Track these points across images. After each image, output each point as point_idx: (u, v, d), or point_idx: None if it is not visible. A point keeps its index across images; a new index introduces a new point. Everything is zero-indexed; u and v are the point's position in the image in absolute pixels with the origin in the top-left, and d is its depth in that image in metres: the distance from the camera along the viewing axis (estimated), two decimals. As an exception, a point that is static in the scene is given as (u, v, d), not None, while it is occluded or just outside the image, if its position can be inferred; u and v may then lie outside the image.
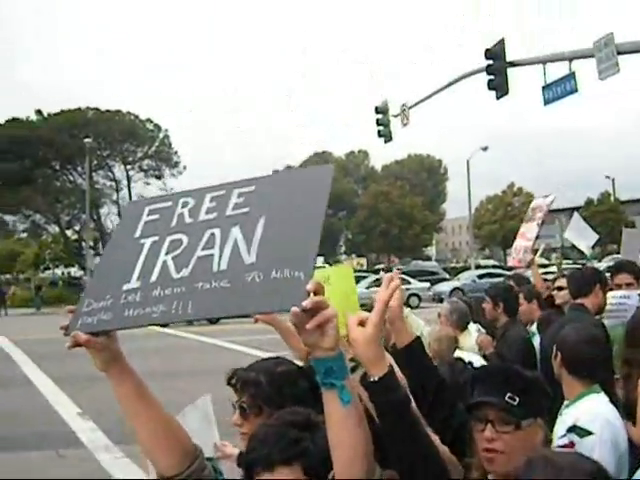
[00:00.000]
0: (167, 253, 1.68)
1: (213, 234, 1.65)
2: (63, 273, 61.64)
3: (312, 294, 1.37)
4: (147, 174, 49.86)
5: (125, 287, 1.65)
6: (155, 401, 1.72)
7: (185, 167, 50.59)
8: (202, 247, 1.64)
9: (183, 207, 1.79)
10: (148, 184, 49.93)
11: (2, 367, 14.79)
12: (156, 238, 1.74)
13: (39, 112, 48.15)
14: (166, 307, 1.55)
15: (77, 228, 49.92)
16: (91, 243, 45.50)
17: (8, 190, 45.16)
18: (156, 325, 1.62)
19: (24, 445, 8.01)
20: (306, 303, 1.35)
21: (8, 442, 8.22)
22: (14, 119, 47.53)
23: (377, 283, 32.76)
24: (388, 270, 45.38)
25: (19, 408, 10.30)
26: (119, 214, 49.27)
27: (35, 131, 45.45)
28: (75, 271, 56.63)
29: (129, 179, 49.49)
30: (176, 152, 50.27)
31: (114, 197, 49.96)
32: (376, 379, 1.60)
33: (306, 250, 1.49)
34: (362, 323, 1.61)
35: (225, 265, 1.56)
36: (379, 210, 63.94)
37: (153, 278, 1.63)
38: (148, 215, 1.83)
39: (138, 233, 1.79)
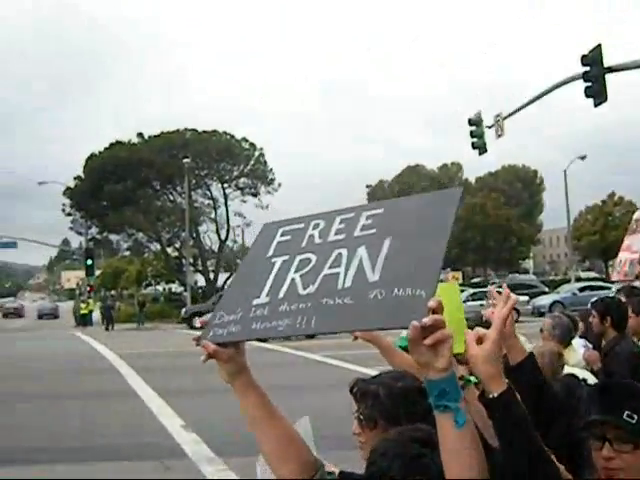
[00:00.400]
0: (296, 271, 1.74)
1: (340, 254, 1.70)
2: (164, 289, 63.67)
3: (432, 312, 1.37)
4: (243, 192, 50.82)
5: (255, 302, 1.73)
6: (277, 412, 1.77)
7: (280, 184, 51.38)
8: (329, 266, 1.69)
9: (314, 229, 1.85)
10: (244, 202, 50.95)
11: (110, 380, 15.42)
12: (286, 257, 1.81)
13: (140, 135, 50.10)
14: (291, 321, 1.61)
15: (177, 246, 51.43)
16: (191, 260, 46.82)
17: (112, 210, 47.18)
18: (281, 337, 1.68)
19: (132, 455, 8.31)
20: (427, 320, 1.35)
21: (117, 451, 8.56)
22: (117, 142, 49.69)
23: (474, 297, 32.19)
24: (484, 285, 44.41)
25: (127, 419, 10.71)
26: (217, 231, 50.54)
27: (137, 153, 47.33)
28: (176, 287, 58.32)
29: (226, 197, 50.60)
30: (271, 169, 51.14)
31: (212, 215, 51.25)
32: (495, 395, 1.59)
33: (429, 270, 1.51)
34: (480, 340, 1.61)
35: (349, 283, 1.60)
36: (474, 223, 62.87)
37: (281, 294, 1.70)
38: (281, 236, 1.92)
39: (270, 252, 1.88)
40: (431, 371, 1.39)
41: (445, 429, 1.40)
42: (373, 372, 2.89)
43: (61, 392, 14.13)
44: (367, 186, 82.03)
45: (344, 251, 1.70)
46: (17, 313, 69.43)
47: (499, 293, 2.02)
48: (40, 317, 61.97)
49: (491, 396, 1.59)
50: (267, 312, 1.68)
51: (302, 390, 12.11)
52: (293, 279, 1.73)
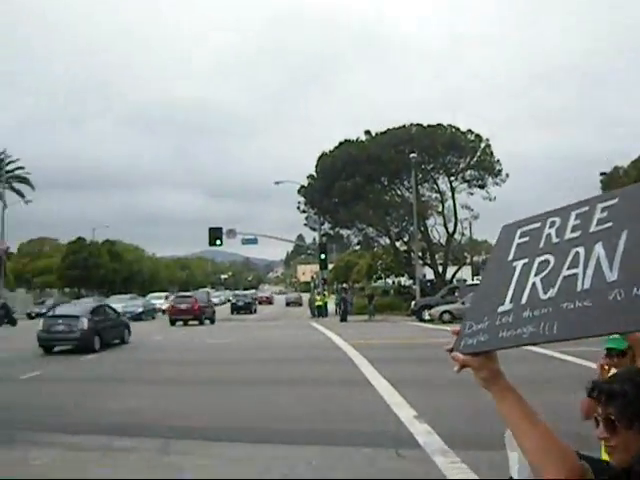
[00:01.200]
0: (536, 274, 1.73)
1: (577, 253, 1.66)
2: (393, 282, 64.93)
3: None
4: (470, 184, 50.06)
5: (500, 309, 1.74)
6: (535, 414, 1.78)
7: (508, 175, 49.92)
8: (567, 267, 1.66)
9: (550, 227, 1.81)
10: (472, 194, 50.18)
11: (345, 369, 16.09)
12: (526, 260, 1.80)
13: (368, 132, 51.40)
14: (534, 328, 1.61)
15: (406, 239, 52.08)
16: (419, 253, 47.18)
17: (343, 206, 48.95)
18: (526, 345, 1.70)
19: (368, 442, 8.59)
20: None
21: (354, 437, 8.90)
22: (346, 141, 51.43)
23: None
24: None
25: (361, 407, 11.11)
26: (444, 225, 50.36)
27: (365, 150, 48.64)
28: (404, 280, 59.19)
29: (453, 190, 50.20)
30: (498, 160, 49.84)
31: (439, 208, 51.15)
32: None
33: None
34: None
35: (588, 284, 1.57)
36: None
37: (523, 300, 1.70)
38: (520, 238, 1.89)
39: (511, 256, 1.87)
40: None
41: None
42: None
43: (299, 378, 15.04)
44: (601, 174, 76.75)
45: (581, 250, 1.66)
46: (268, 301, 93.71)
47: None
48: (288, 304, 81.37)
49: None
50: (512, 319, 1.67)
51: (537, 387, 11.78)
52: (534, 283, 1.70)
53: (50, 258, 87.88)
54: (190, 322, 40.36)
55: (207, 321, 41.46)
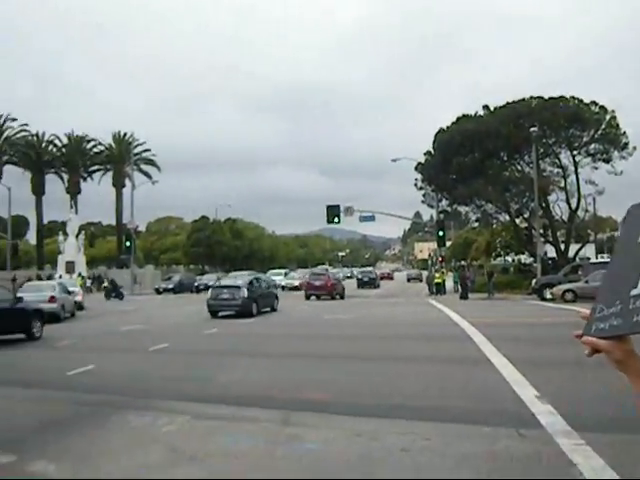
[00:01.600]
0: None
1: None
2: (513, 260, 63.39)
3: None
4: (594, 158, 47.70)
5: (633, 292, 1.69)
6: None
7: (635, 148, 47.23)
8: None
9: None
10: (596, 168, 47.80)
11: (463, 346, 15.96)
12: None
13: (486, 107, 50.06)
14: None
15: (526, 216, 50.59)
16: (540, 230, 45.74)
17: (461, 183, 48.10)
18: None
19: (487, 420, 8.50)
20: None
21: (473, 415, 8.85)
22: (464, 116, 50.40)
23: None
24: None
25: (481, 385, 11.01)
26: (567, 201, 48.49)
27: (483, 125, 47.45)
28: (525, 258, 57.63)
29: (576, 164, 48.05)
30: (624, 133, 47.21)
31: (561, 184, 49.23)
32: None
33: None
34: None
35: None
36: None
37: None
38: None
39: None
40: None
41: None
42: None
43: (417, 354, 15.09)
44: None
45: None
46: (390, 277, 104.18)
47: None
48: (409, 280, 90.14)
49: None
50: None
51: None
52: None
53: (176, 236, 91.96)
54: (322, 297, 43.40)
55: (337, 296, 44.15)
